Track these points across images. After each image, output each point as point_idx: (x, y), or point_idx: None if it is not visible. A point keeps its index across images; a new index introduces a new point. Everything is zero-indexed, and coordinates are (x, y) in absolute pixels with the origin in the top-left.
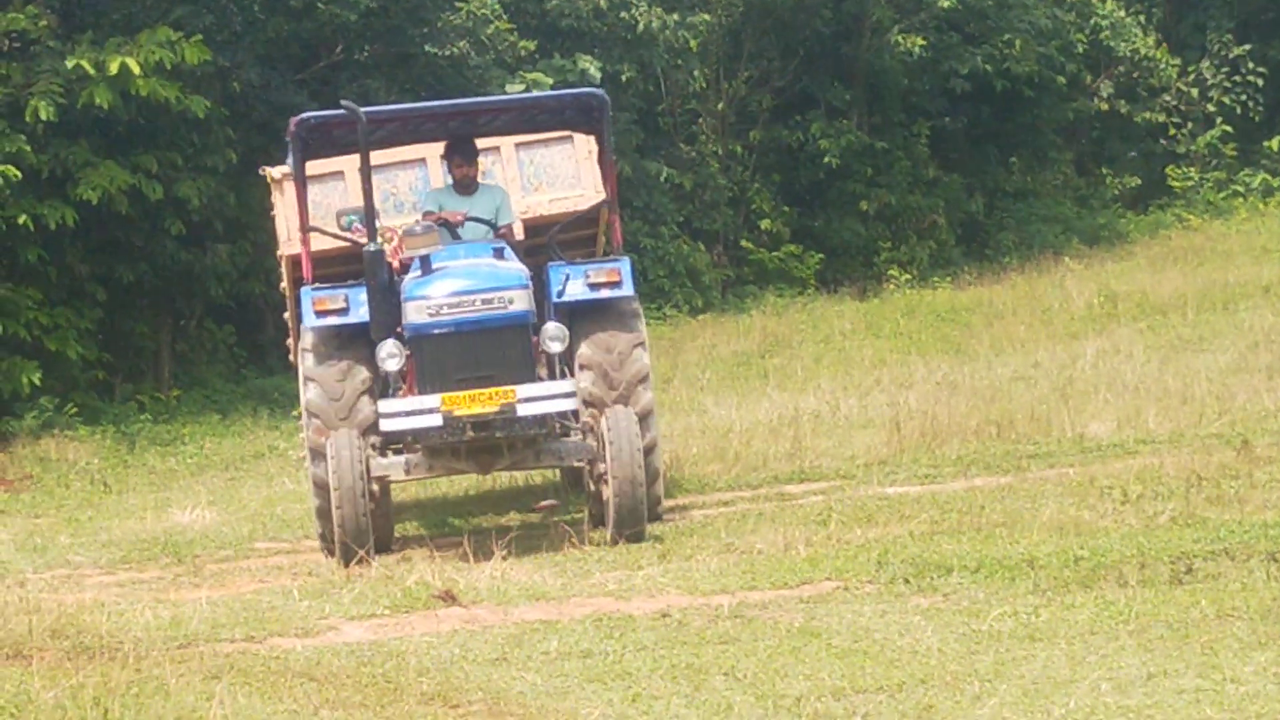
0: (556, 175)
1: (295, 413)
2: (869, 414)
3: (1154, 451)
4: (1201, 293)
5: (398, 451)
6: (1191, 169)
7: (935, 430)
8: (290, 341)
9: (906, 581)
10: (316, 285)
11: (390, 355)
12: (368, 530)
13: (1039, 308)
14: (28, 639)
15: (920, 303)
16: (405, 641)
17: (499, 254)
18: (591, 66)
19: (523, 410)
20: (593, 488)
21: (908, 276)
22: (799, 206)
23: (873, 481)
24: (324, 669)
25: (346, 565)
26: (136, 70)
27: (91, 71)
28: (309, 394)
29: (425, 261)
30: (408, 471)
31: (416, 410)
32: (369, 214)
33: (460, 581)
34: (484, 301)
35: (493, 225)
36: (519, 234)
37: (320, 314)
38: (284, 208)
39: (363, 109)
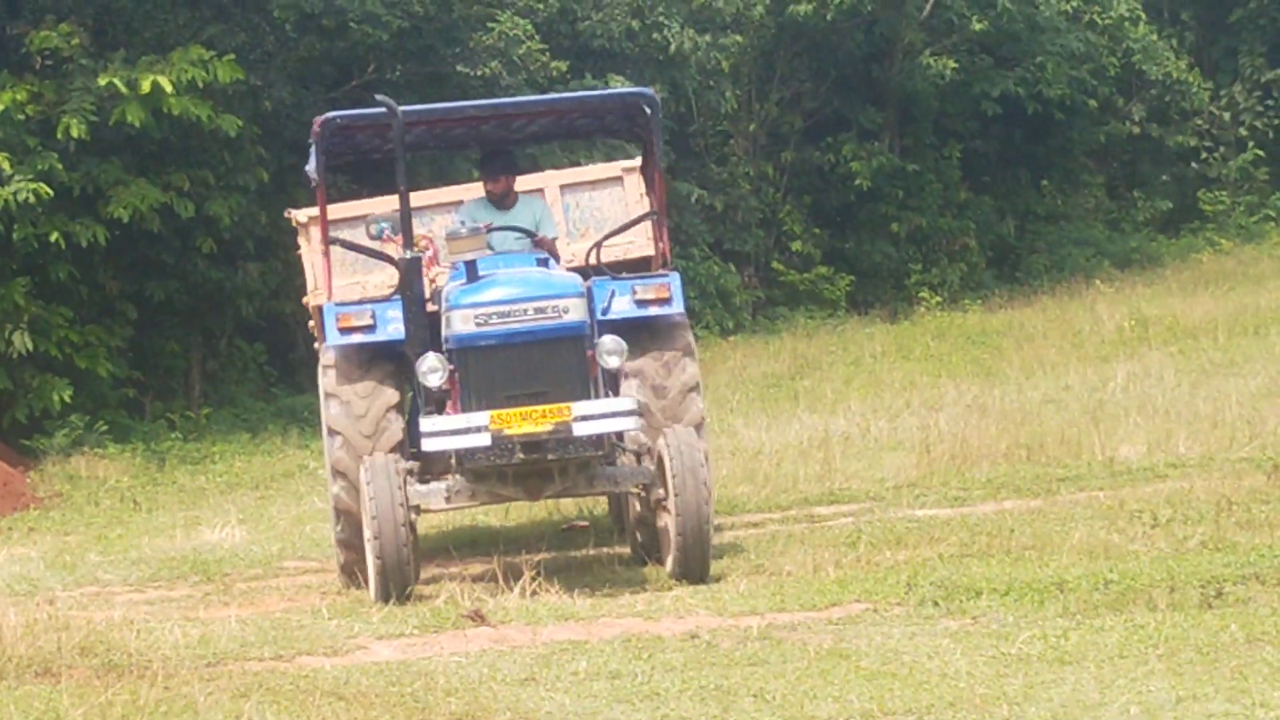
0: (604, 220)
1: None
2: (899, 436)
3: (1184, 475)
4: (1232, 317)
5: (424, 480)
6: (1223, 193)
7: (965, 453)
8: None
9: (936, 604)
10: (340, 301)
11: (432, 370)
12: (409, 564)
13: (1070, 331)
14: (57, 656)
15: (951, 325)
16: (434, 661)
17: (544, 265)
18: (623, 87)
19: (578, 430)
20: (636, 514)
21: (938, 299)
22: (830, 228)
23: (902, 504)
24: (352, 688)
25: (385, 602)
26: (169, 88)
27: (124, 90)
28: (331, 418)
29: (471, 267)
30: (448, 499)
31: (462, 429)
32: (405, 219)
33: (489, 601)
34: (536, 310)
35: (529, 233)
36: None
37: (345, 331)
38: (311, 254)
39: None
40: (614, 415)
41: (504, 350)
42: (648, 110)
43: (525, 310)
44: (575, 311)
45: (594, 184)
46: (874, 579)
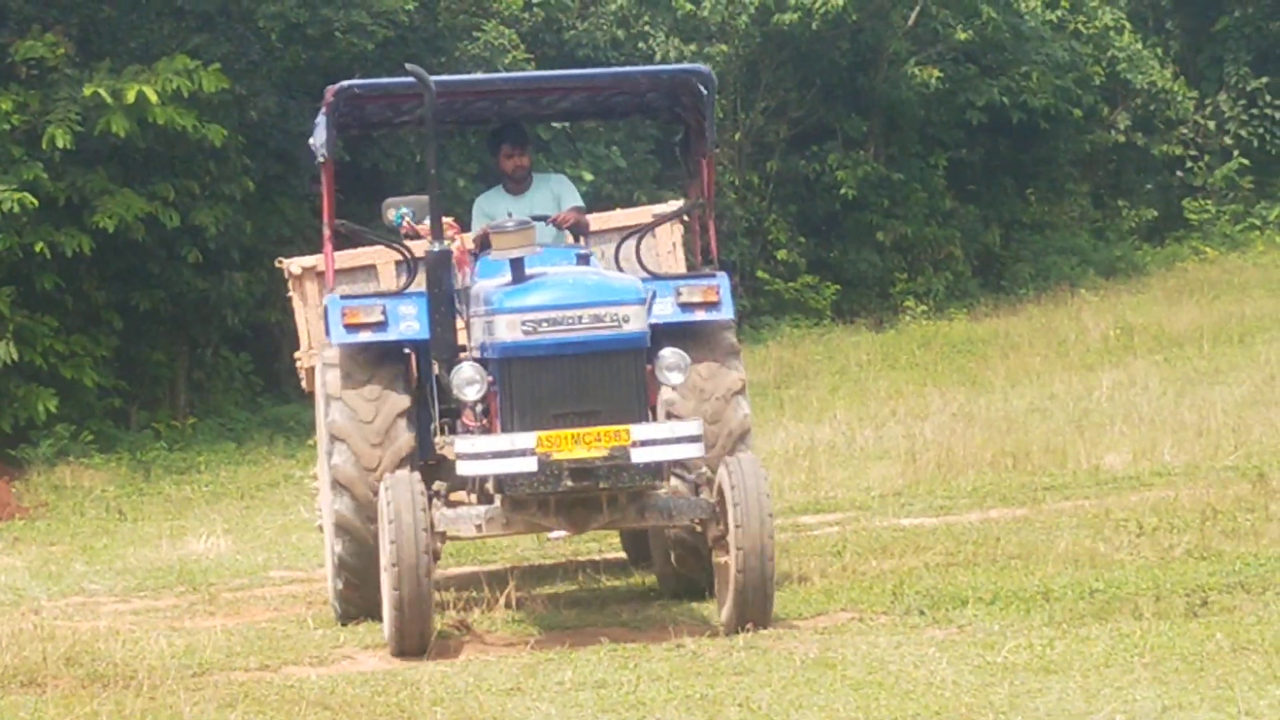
0: (634, 271)
1: (310, 441)
2: (884, 445)
3: (1169, 484)
4: (1218, 325)
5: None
6: (1208, 202)
7: (951, 462)
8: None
9: (921, 613)
10: (345, 294)
11: (470, 381)
12: (429, 597)
13: (1055, 339)
14: (42, 667)
15: (936, 334)
16: (420, 671)
17: (584, 260)
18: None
19: (637, 456)
20: (676, 547)
21: (924, 308)
22: (815, 237)
23: (888, 513)
24: (338, 698)
25: (402, 654)
26: (154, 98)
27: (109, 99)
28: (334, 424)
29: (517, 266)
30: (479, 528)
31: (505, 451)
32: (434, 205)
33: (475, 611)
34: (593, 318)
35: (550, 220)
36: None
37: (352, 328)
38: (304, 308)
39: (408, 81)
40: (678, 441)
41: (554, 363)
42: (703, 89)
43: (580, 317)
44: (636, 321)
45: (621, 230)
46: (860, 588)
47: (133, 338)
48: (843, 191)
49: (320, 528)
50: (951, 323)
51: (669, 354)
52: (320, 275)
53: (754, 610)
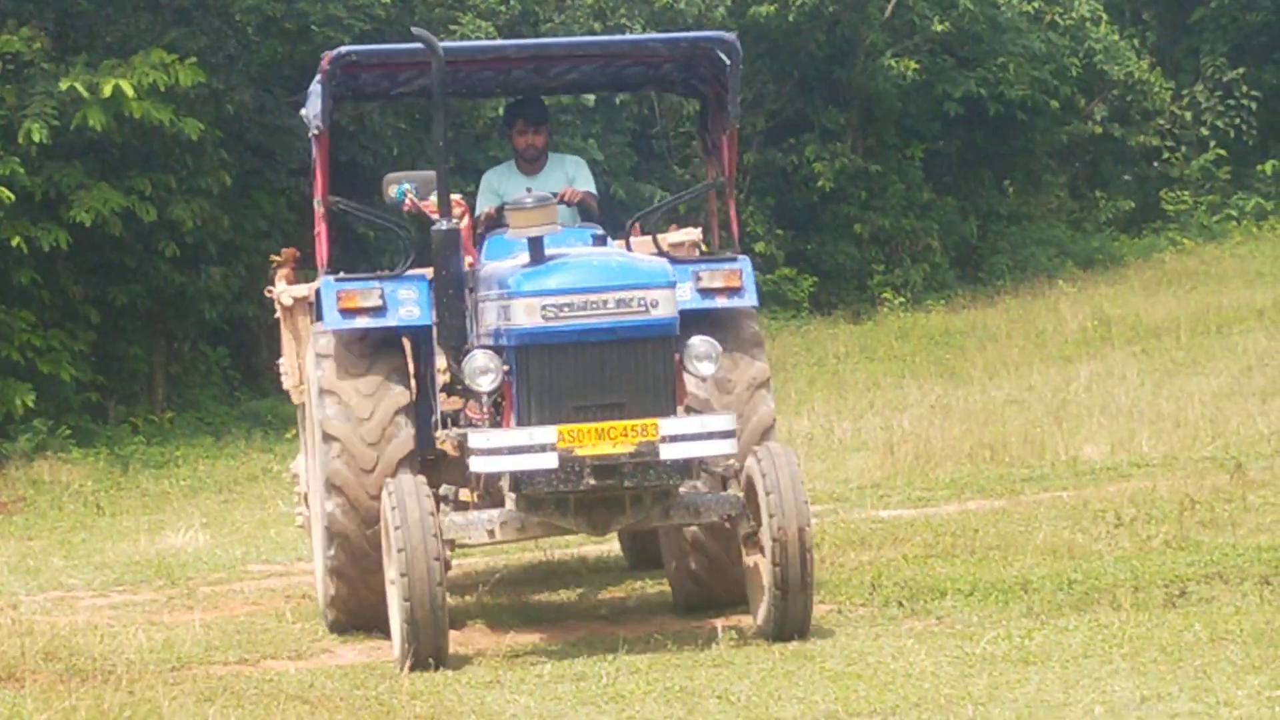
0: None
1: (289, 434)
2: (863, 437)
3: (1147, 475)
4: (1195, 316)
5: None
6: (1185, 192)
7: (929, 453)
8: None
9: (900, 605)
10: (341, 276)
11: (483, 370)
12: (443, 610)
13: (1033, 331)
14: (21, 661)
15: (914, 326)
16: (399, 664)
17: (600, 242)
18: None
19: (665, 452)
20: (686, 553)
21: (901, 299)
22: (793, 229)
23: (866, 505)
24: (317, 691)
25: (413, 667)
26: (130, 92)
27: (85, 94)
28: (327, 421)
29: (536, 246)
30: (492, 533)
31: (524, 446)
32: (442, 181)
33: (454, 604)
34: (619, 303)
35: (557, 196)
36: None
37: (347, 313)
38: (295, 344)
39: (408, 48)
40: (709, 437)
41: (576, 350)
42: (726, 60)
43: (605, 302)
44: (664, 305)
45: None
46: (838, 580)
47: (110, 332)
48: (820, 184)
49: (301, 526)
50: (929, 314)
51: (699, 342)
52: (312, 307)
53: (794, 615)
